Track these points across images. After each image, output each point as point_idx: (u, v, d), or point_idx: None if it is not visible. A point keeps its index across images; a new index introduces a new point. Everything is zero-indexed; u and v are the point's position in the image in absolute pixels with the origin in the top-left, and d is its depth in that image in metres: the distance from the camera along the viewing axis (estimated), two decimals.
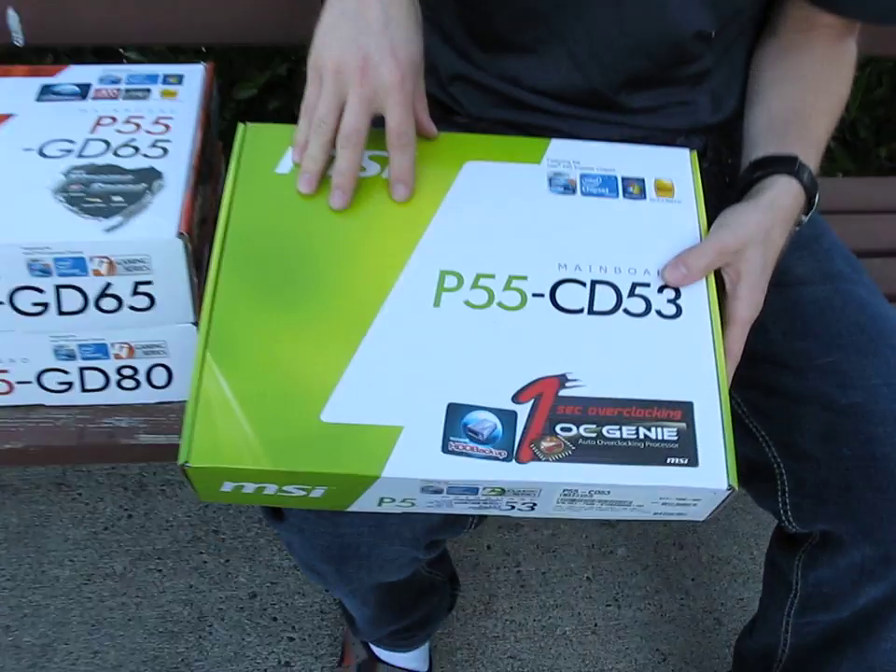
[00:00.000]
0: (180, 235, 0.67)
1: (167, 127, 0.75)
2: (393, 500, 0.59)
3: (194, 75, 0.80)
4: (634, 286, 0.62)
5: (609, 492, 0.57)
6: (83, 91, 0.78)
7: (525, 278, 0.62)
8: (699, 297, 0.62)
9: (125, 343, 0.73)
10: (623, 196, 0.67)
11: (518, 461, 0.56)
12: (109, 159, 0.72)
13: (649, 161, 0.69)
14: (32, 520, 1.24)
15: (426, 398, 0.57)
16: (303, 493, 0.58)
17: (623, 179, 0.68)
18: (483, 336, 0.60)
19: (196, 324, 0.73)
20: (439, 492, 0.57)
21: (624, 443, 0.57)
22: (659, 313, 0.61)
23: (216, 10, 0.93)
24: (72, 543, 1.23)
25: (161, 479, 1.31)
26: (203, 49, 1.31)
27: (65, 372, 0.75)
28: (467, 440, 0.56)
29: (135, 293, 0.69)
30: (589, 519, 0.62)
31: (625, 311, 0.61)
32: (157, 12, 0.92)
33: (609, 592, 1.24)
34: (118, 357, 0.73)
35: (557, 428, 0.57)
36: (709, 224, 0.65)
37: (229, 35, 0.95)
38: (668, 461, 0.56)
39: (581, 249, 0.64)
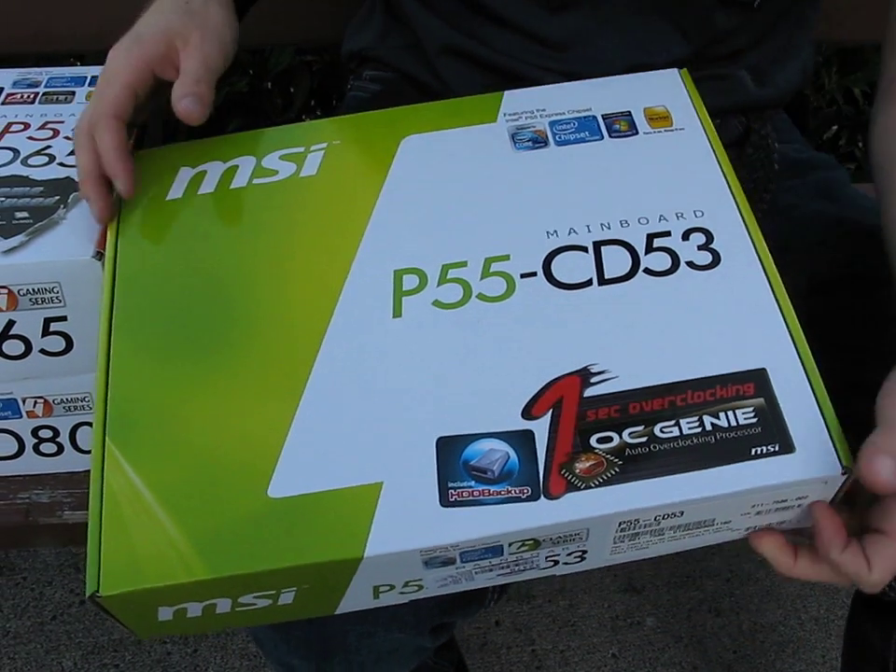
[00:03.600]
0: (98, 255, 0.52)
1: None
2: (392, 587, 0.43)
3: None
4: (650, 238, 0.48)
5: (681, 513, 0.41)
6: None
7: (507, 258, 0.47)
8: (737, 234, 0.47)
9: (39, 398, 0.58)
10: (609, 136, 0.52)
11: (548, 496, 0.40)
12: (15, 169, 0.58)
13: (630, 91, 0.55)
14: None
15: (405, 437, 0.42)
16: (269, 601, 0.42)
17: (605, 117, 0.53)
18: (465, 341, 0.45)
19: None
20: (450, 562, 0.41)
21: (687, 442, 0.41)
22: (691, 264, 0.46)
23: None
24: (13, 637, 1.05)
25: None
26: None
27: None
28: (472, 482, 0.40)
29: (47, 333, 0.54)
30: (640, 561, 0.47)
31: (647, 271, 0.46)
32: (84, 15, 0.79)
33: (640, 670, 1.05)
34: (32, 415, 0.58)
35: (593, 441, 0.41)
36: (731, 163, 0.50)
37: None
38: (753, 452, 0.41)
39: (572, 208, 0.49)
